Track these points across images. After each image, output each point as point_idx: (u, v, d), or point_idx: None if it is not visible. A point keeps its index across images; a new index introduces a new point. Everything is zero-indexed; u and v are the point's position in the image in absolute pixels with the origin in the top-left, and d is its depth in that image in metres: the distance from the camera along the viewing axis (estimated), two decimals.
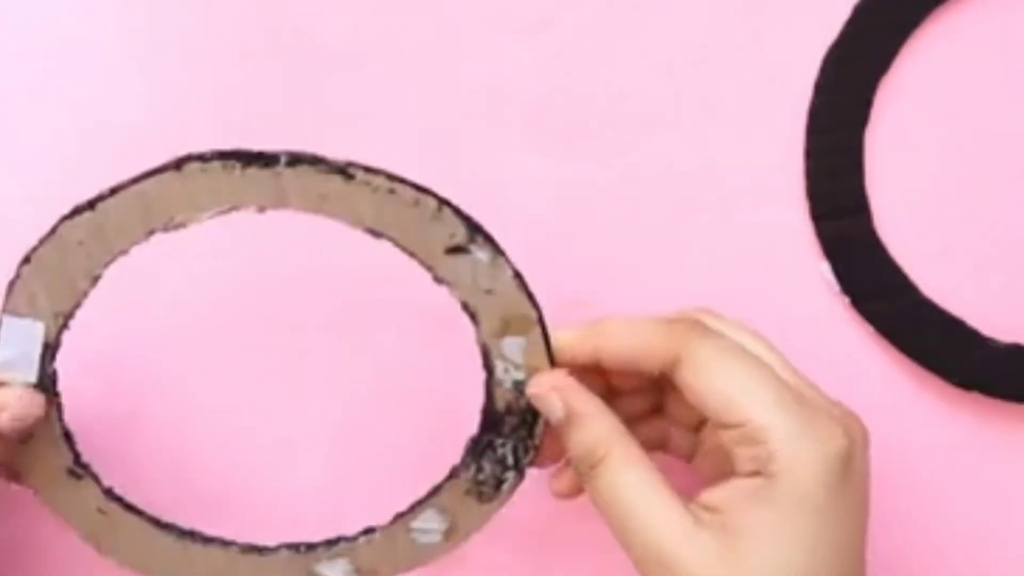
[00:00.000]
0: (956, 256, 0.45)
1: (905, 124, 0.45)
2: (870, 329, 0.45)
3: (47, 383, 0.39)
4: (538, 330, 0.39)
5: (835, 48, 0.45)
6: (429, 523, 0.41)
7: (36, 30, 0.45)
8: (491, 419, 0.40)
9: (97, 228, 0.38)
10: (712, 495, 0.36)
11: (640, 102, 0.45)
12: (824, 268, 0.45)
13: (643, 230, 0.45)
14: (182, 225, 0.38)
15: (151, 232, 0.38)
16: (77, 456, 0.40)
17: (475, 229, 0.38)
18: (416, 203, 0.38)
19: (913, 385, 0.45)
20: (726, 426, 0.36)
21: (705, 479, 0.37)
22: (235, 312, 0.44)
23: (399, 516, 0.41)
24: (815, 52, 0.45)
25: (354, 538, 0.41)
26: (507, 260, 0.39)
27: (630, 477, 0.36)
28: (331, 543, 0.41)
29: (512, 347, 0.39)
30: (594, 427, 0.37)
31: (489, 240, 0.39)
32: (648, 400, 0.41)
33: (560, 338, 0.39)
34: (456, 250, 0.38)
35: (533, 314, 0.39)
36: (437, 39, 0.45)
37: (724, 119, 0.45)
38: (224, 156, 0.38)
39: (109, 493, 0.40)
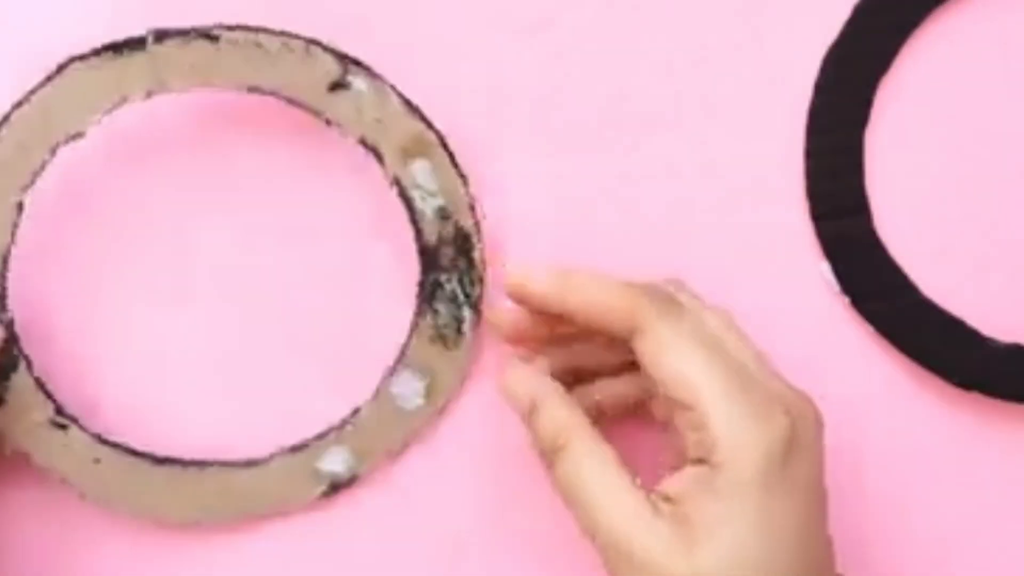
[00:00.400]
0: (956, 256, 0.45)
1: (905, 124, 0.45)
2: (870, 329, 0.44)
3: (4, 331, 0.39)
4: (440, 149, 0.39)
5: (835, 48, 0.45)
6: (408, 385, 0.41)
7: (36, 30, 0.45)
8: (428, 256, 0.39)
9: (4, 157, 0.38)
10: (669, 485, 0.37)
11: (640, 102, 0.45)
12: (824, 268, 0.45)
13: (643, 230, 0.45)
14: (81, 135, 0.38)
15: (55, 147, 0.38)
16: (59, 407, 0.39)
17: (348, 61, 0.38)
18: (284, 47, 0.38)
19: (913, 385, 0.45)
20: (675, 403, 0.36)
21: (674, 450, 0.38)
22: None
23: (379, 387, 0.41)
24: (815, 52, 0.45)
25: (342, 424, 0.41)
26: (390, 86, 0.38)
27: (591, 466, 0.37)
28: (321, 436, 0.41)
29: (421, 172, 0.39)
30: (555, 415, 0.38)
31: (365, 69, 0.38)
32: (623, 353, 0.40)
33: (533, 278, 0.38)
34: (336, 86, 0.38)
35: (430, 134, 0.39)
36: (437, 39, 0.45)
37: (724, 119, 0.45)
38: (98, 50, 0.38)
39: (100, 439, 0.39)
